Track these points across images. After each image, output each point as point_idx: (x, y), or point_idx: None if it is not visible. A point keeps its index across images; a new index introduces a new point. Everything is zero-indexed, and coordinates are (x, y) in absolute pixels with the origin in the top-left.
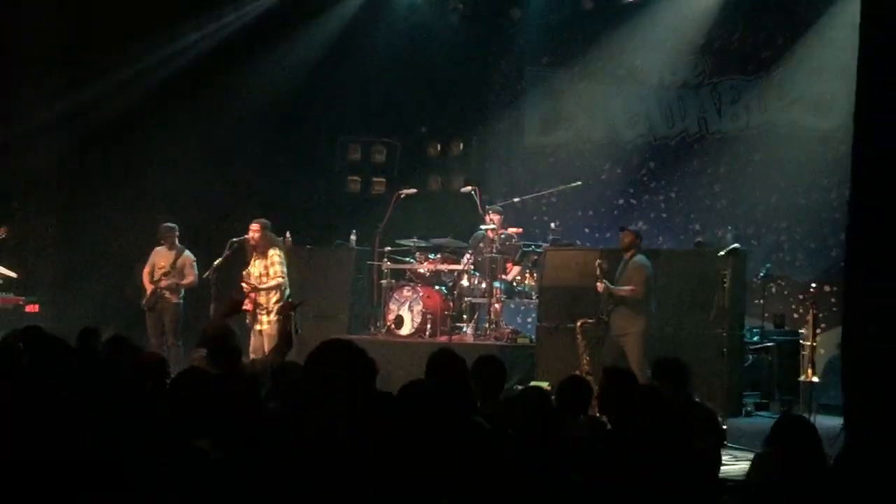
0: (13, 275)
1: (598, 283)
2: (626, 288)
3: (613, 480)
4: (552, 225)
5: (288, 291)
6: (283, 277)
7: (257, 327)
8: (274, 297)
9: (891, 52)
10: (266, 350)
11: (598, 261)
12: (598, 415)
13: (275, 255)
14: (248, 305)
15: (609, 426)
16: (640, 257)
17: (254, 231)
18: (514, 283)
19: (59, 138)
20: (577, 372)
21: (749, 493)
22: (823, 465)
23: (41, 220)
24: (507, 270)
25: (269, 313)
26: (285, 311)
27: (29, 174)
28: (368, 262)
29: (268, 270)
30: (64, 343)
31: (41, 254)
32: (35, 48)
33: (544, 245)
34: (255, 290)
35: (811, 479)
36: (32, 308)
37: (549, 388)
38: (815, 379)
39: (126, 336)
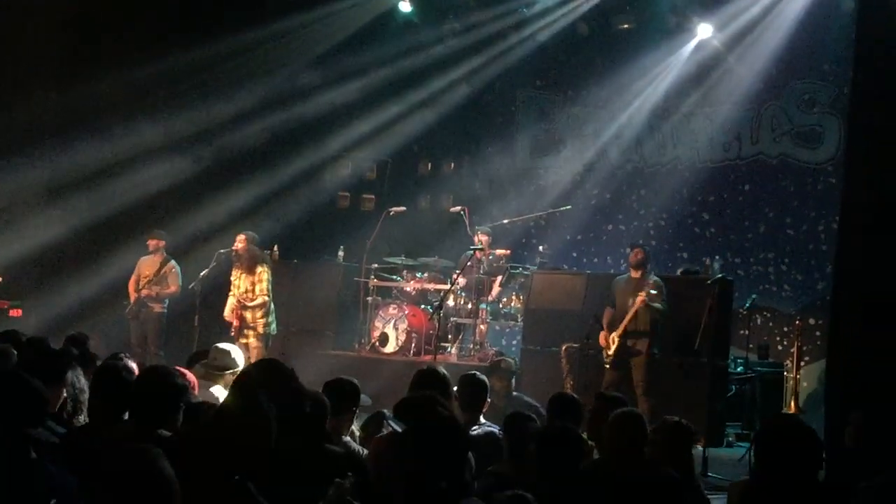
0: None
1: (641, 296)
2: (659, 306)
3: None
4: (540, 248)
5: (272, 307)
6: (267, 296)
7: (242, 341)
8: (259, 313)
9: (881, 88)
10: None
11: (655, 279)
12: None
13: (262, 272)
14: (234, 321)
15: (596, 452)
16: (656, 277)
17: (239, 242)
18: (500, 305)
19: (49, 135)
20: None
21: None
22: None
23: (26, 221)
24: (491, 290)
25: (254, 329)
26: None
27: (17, 175)
28: (355, 279)
29: (254, 287)
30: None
31: (25, 258)
32: (32, 60)
33: (531, 268)
34: (243, 307)
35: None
36: (16, 312)
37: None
38: (798, 411)
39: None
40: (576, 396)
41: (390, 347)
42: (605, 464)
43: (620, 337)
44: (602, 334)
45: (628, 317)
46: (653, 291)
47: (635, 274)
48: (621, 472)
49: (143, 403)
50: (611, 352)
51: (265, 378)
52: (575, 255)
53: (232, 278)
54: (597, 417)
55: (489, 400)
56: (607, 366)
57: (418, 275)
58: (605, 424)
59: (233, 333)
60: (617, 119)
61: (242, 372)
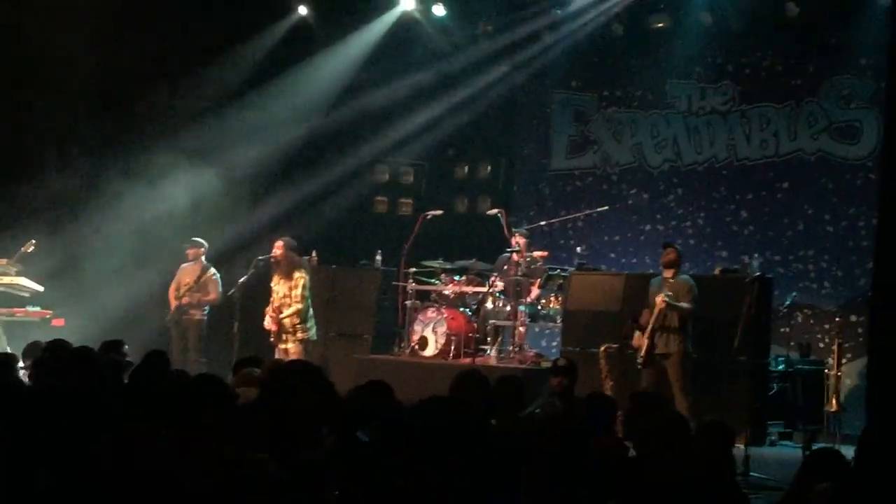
0: (39, 288)
1: (660, 297)
2: (684, 305)
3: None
4: (578, 249)
5: (311, 312)
6: (301, 303)
7: (281, 346)
8: (297, 319)
9: None
10: None
11: (683, 278)
12: (622, 438)
13: (300, 278)
14: (272, 326)
15: (633, 451)
16: (686, 276)
17: (277, 248)
18: (539, 307)
19: (87, 141)
20: None
21: None
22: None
23: (67, 233)
24: (530, 292)
25: (293, 334)
26: None
27: (54, 187)
28: (393, 283)
29: (291, 293)
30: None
31: (66, 266)
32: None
33: (570, 269)
34: (281, 313)
35: None
36: (58, 322)
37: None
38: (840, 409)
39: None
40: (610, 395)
41: (430, 351)
42: (643, 463)
43: (649, 338)
44: (636, 335)
45: (653, 318)
46: (669, 293)
47: (667, 274)
48: (659, 473)
49: (194, 409)
50: (642, 352)
51: (298, 376)
52: (613, 255)
53: (272, 284)
54: (632, 418)
55: (547, 400)
56: (640, 366)
57: (456, 278)
58: (644, 424)
59: (272, 339)
60: (653, 119)
61: (274, 370)
